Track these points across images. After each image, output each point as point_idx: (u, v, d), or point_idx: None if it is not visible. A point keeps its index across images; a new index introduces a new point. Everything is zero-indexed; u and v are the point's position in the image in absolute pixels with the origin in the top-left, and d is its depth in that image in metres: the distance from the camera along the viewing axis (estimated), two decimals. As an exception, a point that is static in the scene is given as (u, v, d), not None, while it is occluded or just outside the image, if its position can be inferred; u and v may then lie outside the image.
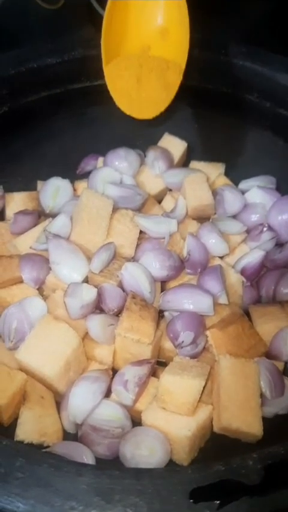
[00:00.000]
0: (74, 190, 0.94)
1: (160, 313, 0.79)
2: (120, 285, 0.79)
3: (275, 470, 0.49)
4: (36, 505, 0.47)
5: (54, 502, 0.47)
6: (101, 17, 1.23)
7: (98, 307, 0.77)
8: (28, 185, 0.98)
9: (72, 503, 0.47)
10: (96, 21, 1.26)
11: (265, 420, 0.68)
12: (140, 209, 0.90)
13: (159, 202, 0.96)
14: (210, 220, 0.91)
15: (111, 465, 0.68)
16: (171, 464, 0.67)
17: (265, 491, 0.47)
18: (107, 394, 0.71)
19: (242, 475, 0.48)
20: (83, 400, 0.68)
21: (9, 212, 0.91)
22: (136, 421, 0.71)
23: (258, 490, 0.47)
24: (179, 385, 0.67)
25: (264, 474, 0.48)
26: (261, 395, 0.69)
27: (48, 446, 0.68)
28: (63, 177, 0.94)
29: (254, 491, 0.47)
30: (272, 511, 0.46)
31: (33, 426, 0.68)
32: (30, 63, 0.92)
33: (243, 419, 0.67)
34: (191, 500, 0.47)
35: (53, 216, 0.87)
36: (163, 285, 0.83)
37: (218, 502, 0.47)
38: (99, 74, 0.96)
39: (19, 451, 0.51)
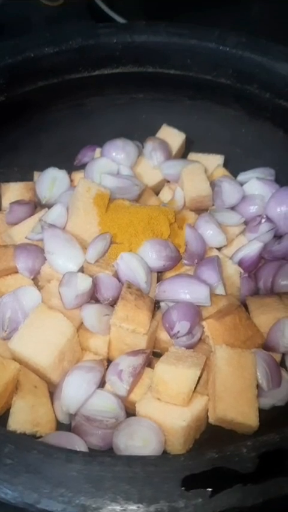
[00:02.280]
0: (71, 181, 0.93)
1: (156, 304, 0.78)
2: (116, 275, 0.78)
3: (270, 458, 0.48)
4: (25, 491, 0.46)
5: (43, 489, 0.46)
6: (101, 11, 1.23)
7: (93, 297, 0.76)
8: (25, 175, 0.97)
9: (62, 490, 0.46)
10: (97, 15, 1.26)
11: (262, 412, 0.67)
12: (137, 200, 0.89)
13: (157, 193, 0.95)
14: (208, 211, 0.90)
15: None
16: (165, 455, 0.66)
17: (259, 479, 0.46)
18: (102, 384, 0.70)
19: (235, 462, 0.47)
20: (76, 390, 0.67)
21: (5, 202, 0.90)
22: (130, 412, 0.70)
23: (251, 478, 0.46)
24: (174, 375, 0.66)
25: (258, 462, 0.47)
26: (258, 386, 0.68)
27: (41, 437, 0.67)
28: (60, 167, 0.93)
29: (247, 479, 0.46)
30: (265, 499, 0.45)
31: (26, 416, 0.67)
32: (27, 52, 0.90)
33: (239, 410, 0.65)
34: (183, 488, 0.46)
35: (50, 206, 0.86)
36: (160, 275, 0.82)
37: (210, 489, 0.46)
38: (97, 64, 0.96)
39: (8, 437, 0.50)
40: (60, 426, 0.70)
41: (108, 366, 0.72)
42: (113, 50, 0.94)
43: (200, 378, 0.68)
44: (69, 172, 0.95)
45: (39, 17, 1.40)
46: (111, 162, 0.92)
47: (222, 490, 0.46)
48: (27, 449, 0.49)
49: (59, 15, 1.41)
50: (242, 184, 0.93)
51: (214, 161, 0.98)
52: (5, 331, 0.73)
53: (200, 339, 0.74)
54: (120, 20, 1.18)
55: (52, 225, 0.80)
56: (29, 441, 0.51)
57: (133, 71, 0.97)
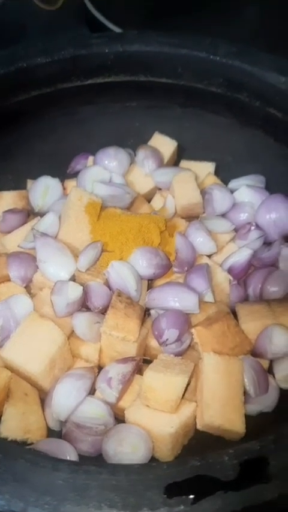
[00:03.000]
0: (64, 189, 0.95)
1: (146, 311, 0.79)
2: (107, 284, 0.79)
3: (250, 466, 0.49)
4: (11, 499, 0.47)
5: (29, 497, 0.47)
6: (95, 18, 1.25)
7: (84, 305, 0.78)
8: (19, 183, 0.98)
9: (47, 498, 0.47)
10: (90, 22, 1.28)
11: (249, 418, 0.68)
12: (128, 207, 0.90)
13: (149, 201, 0.96)
14: (199, 219, 0.91)
15: (94, 462, 0.68)
16: (153, 461, 0.67)
17: (240, 486, 0.47)
18: (92, 391, 0.72)
19: (217, 470, 0.48)
20: (67, 398, 0.68)
21: (-1, 211, 0.91)
22: (120, 419, 0.71)
23: (233, 485, 0.47)
24: (162, 382, 0.67)
25: (239, 470, 0.48)
26: (246, 393, 0.70)
27: (32, 444, 0.68)
28: (54, 175, 0.94)
29: (228, 486, 0.47)
30: (245, 506, 0.46)
31: (17, 423, 0.68)
32: (20, 62, 0.92)
33: (226, 417, 0.67)
34: (166, 495, 0.47)
35: (42, 214, 0.87)
36: (150, 283, 0.83)
37: (192, 497, 0.47)
38: (90, 73, 0.98)
39: (-4, 446, 0.51)
40: (51, 433, 0.71)
41: (99, 373, 0.73)
42: (105, 60, 0.96)
43: (188, 384, 0.69)
44: (62, 180, 0.96)
45: (35, 21, 1.40)
46: (104, 170, 0.93)
47: (204, 497, 0.47)
48: (14, 457, 0.50)
49: (56, 20, 1.42)
50: (232, 191, 0.94)
51: (205, 169, 0.99)
52: (-3, 339, 0.75)
53: (189, 346, 0.76)
54: (115, 28, 1.20)
55: (44, 234, 0.81)
56: (17, 450, 0.52)
57: (125, 79, 0.99)
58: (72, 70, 0.96)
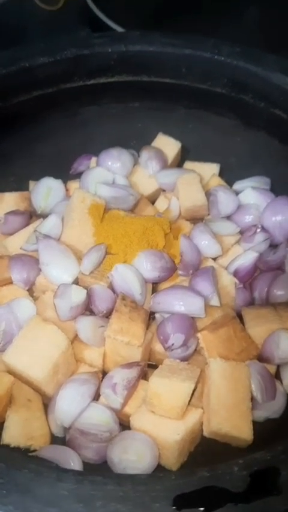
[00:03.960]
0: (67, 190, 0.93)
1: (151, 315, 0.78)
2: (111, 287, 0.78)
3: (261, 477, 0.47)
4: (15, 511, 0.46)
5: (33, 509, 0.46)
6: (97, 18, 1.23)
7: (88, 308, 0.76)
8: (20, 185, 0.97)
9: (52, 509, 0.46)
10: (93, 22, 1.27)
11: (256, 424, 0.67)
12: (132, 210, 0.89)
13: (153, 202, 0.95)
14: (204, 221, 0.89)
15: (99, 470, 0.67)
16: (159, 469, 0.66)
17: (250, 498, 0.46)
18: (97, 397, 0.70)
19: (227, 481, 0.47)
20: (70, 403, 0.67)
21: (1, 212, 0.90)
22: (125, 425, 0.69)
23: (243, 497, 0.46)
24: (168, 388, 0.66)
25: (249, 481, 0.47)
26: (252, 399, 0.68)
27: (35, 450, 0.67)
28: (56, 177, 0.93)
29: (238, 498, 0.46)
30: (256, 519, 0.45)
31: (20, 430, 0.67)
32: (22, 62, 0.90)
33: (233, 423, 0.65)
34: (174, 507, 0.46)
35: (45, 216, 0.86)
36: (155, 286, 0.82)
37: (201, 509, 0.45)
38: (93, 73, 0.96)
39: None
40: (54, 439, 0.70)
41: (103, 377, 0.72)
42: (108, 60, 0.94)
43: (194, 390, 0.68)
44: (65, 182, 0.95)
45: (36, 21, 1.40)
46: (107, 172, 0.92)
47: (213, 509, 0.46)
48: (18, 467, 0.48)
49: (57, 19, 1.41)
50: (237, 193, 0.93)
51: (210, 170, 0.97)
52: None
53: (195, 350, 0.74)
54: (117, 28, 1.18)
55: (47, 236, 0.80)
56: (20, 459, 0.50)
57: (128, 80, 0.97)
58: (74, 70, 0.95)
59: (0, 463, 0.48)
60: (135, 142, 1.00)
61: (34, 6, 1.41)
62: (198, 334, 0.73)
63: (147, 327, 0.74)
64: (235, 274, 0.83)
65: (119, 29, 1.18)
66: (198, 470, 0.48)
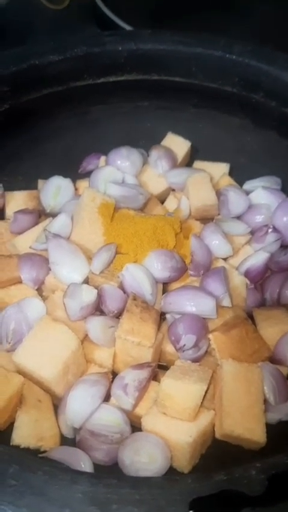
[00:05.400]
0: (76, 189, 0.93)
1: (162, 315, 0.77)
2: (121, 286, 0.77)
3: (279, 481, 0.47)
4: (29, 513, 0.45)
5: (48, 511, 0.45)
6: (105, 16, 1.23)
7: (98, 308, 0.76)
8: (29, 184, 0.96)
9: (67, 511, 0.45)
10: (99, 19, 1.26)
11: (268, 426, 0.66)
12: (142, 209, 0.88)
13: (162, 202, 0.94)
14: (214, 221, 0.89)
15: (109, 471, 0.66)
16: (171, 471, 0.65)
17: (268, 502, 0.45)
18: (107, 398, 0.70)
19: (244, 485, 0.46)
20: (81, 404, 0.66)
21: (9, 211, 0.90)
22: (136, 426, 0.69)
23: (261, 501, 0.45)
24: (180, 389, 0.65)
25: (267, 485, 0.46)
26: (265, 401, 0.68)
27: (45, 451, 0.66)
28: (65, 176, 0.93)
29: (256, 502, 0.45)
30: (275, 524, 0.44)
31: (30, 430, 0.66)
32: (32, 60, 0.90)
33: (246, 426, 0.65)
34: (191, 511, 0.45)
35: (54, 215, 0.85)
36: (165, 286, 0.81)
37: (218, 513, 0.45)
38: (103, 72, 0.96)
39: (13, 457, 0.49)
40: (64, 440, 0.69)
41: (113, 378, 0.71)
42: (118, 58, 0.94)
43: (206, 391, 0.67)
44: (74, 180, 0.94)
45: (42, 20, 1.39)
46: (116, 171, 0.91)
47: (230, 513, 0.45)
48: (32, 470, 0.48)
49: (63, 19, 1.41)
50: (248, 193, 0.92)
51: (220, 169, 0.97)
52: (9, 343, 0.73)
53: (206, 351, 0.74)
54: (125, 26, 1.18)
55: (56, 235, 0.79)
56: (34, 461, 0.50)
57: (138, 78, 0.97)
58: (84, 68, 0.94)
59: (14, 465, 0.48)
60: (145, 141, 0.99)
61: (40, 6, 1.41)
62: (210, 335, 0.73)
63: (158, 327, 0.74)
64: (246, 274, 0.82)
65: (126, 27, 1.17)
66: (214, 474, 0.47)
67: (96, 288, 0.75)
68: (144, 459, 0.63)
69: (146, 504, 0.46)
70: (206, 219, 0.90)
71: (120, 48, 0.93)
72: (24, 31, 1.33)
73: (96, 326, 0.73)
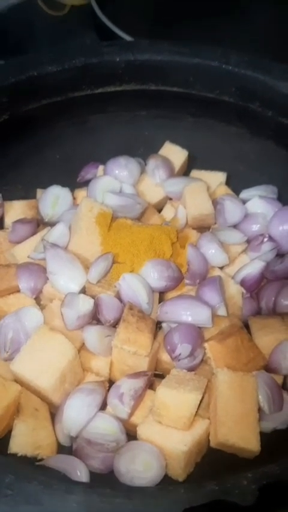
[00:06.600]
0: (74, 198, 0.94)
1: (158, 324, 0.78)
2: (118, 296, 0.78)
3: (271, 491, 0.47)
4: (25, 523, 0.46)
5: (43, 521, 0.46)
6: (104, 26, 1.24)
7: (95, 318, 0.76)
8: (28, 193, 0.97)
9: (61, 522, 0.46)
10: (98, 28, 1.27)
11: (263, 435, 0.67)
12: (139, 218, 0.89)
13: (160, 211, 0.95)
14: (210, 230, 0.90)
15: (106, 479, 0.67)
16: (166, 479, 0.66)
17: (259, 512, 0.46)
18: (103, 406, 0.70)
19: (236, 495, 0.47)
20: (77, 413, 0.67)
21: (8, 220, 0.90)
22: (132, 435, 0.69)
23: (252, 511, 0.46)
24: (175, 398, 0.66)
25: (259, 495, 0.47)
26: (260, 409, 0.68)
27: (42, 459, 0.67)
28: (64, 185, 0.94)
29: (247, 512, 0.46)
30: (266, 534, 0.45)
31: (27, 439, 0.67)
32: (31, 71, 0.91)
33: (241, 434, 0.65)
34: (183, 521, 0.46)
35: (52, 224, 0.86)
36: (162, 295, 0.82)
37: (210, 523, 0.46)
38: (101, 82, 0.97)
39: (9, 467, 0.50)
40: (61, 448, 0.70)
41: (110, 387, 0.72)
42: (116, 68, 0.95)
43: (201, 400, 0.68)
44: (73, 189, 0.95)
45: (43, 26, 1.41)
46: (114, 180, 0.92)
47: (222, 523, 0.46)
48: (27, 479, 0.49)
49: (63, 25, 1.42)
50: (244, 202, 0.93)
51: (216, 178, 0.98)
52: (7, 352, 0.73)
53: (202, 360, 0.74)
54: (123, 35, 1.19)
55: (54, 245, 0.80)
56: (29, 471, 0.51)
57: (136, 88, 0.98)
58: (82, 79, 0.95)
59: (9, 474, 0.48)
60: (143, 150, 1.00)
61: (40, 12, 1.43)
62: (205, 344, 0.73)
63: (154, 336, 0.75)
64: (242, 283, 0.83)
65: (124, 35, 1.18)
66: (206, 484, 0.48)
67: (93, 297, 0.76)
68: (139, 467, 0.64)
69: (139, 513, 0.46)
70: (202, 228, 0.91)
71: (118, 59, 0.94)
72: (25, 37, 1.35)
73: (93, 335, 0.73)
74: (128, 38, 1.17)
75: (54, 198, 0.91)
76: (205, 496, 0.47)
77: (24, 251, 0.84)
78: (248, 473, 0.49)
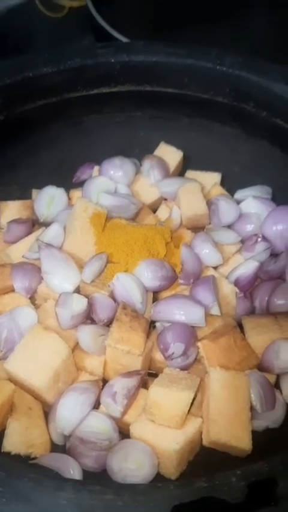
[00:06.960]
0: (69, 199, 0.94)
1: (152, 324, 0.78)
2: (112, 295, 0.78)
3: (259, 488, 0.48)
4: (15, 520, 0.46)
5: (33, 518, 0.46)
6: (102, 28, 1.25)
7: (89, 317, 0.77)
8: (24, 193, 0.98)
9: (51, 518, 0.46)
10: (96, 30, 1.28)
11: (255, 434, 0.67)
12: (133, 218, 0.90)
13: (154, 211, 0.95)
14: (205, 230, 0.90)
15: (98, 478, 0.67)
16: (159, 477, 0.66)
17: (248, 509, 0.46)
18: (97, 405, 0.71)
19: (224, 492, 0.47)
20: (71, 412, 0.68)
21: (3, 221, 0.91)
22: (125, 433, 0.70)
23: (241, 508, 0.46)
24: (168, 397, 0.66)
25: (247, 492, 0.47)
26: (252, 408, 0.69)
27: (35, 458, 0.67)
28: (59, 185, 0.94)
29: (236, 509, 0.46)
30: (254, 530, 0.45)
31: (21, 437, 0.67)
32: (26, 72, 0.91)
33: (233, 433, 0.66)
34: (172, 518, 0.46)
35: (47, 224, 0.87)
36: (155, 295, 0.83)
37: (199, 519, 0.46)
38: (96, 83, 0.97)
39: (0, 465, 0.50)
40: (54, 447, 0.70)
41: (103, 386, 0.72)
42: (111, 70, 0.95)
43: (194, 399, 0.68)
44: (68, 190, 0.96)
45: (41, 27, 1.41)
46: (109, 181, 0.92)
47: (211, 520, 0.46)
48: (18, 476, 0.49)
49: (62, 26, 1.43)
50: (238, 202, 0.93)
51: (211, 179, 0.98)
52: (1, 351, 0.74)
53: (195, 359, 0.75)
54: (120, 37, 1.19)
55: (49, 245, 0.81)
56: (21, 468, 0.51)
57: (131, 89, 0.98)
58: (78, 80, 0.96)
59: (0, 471, 0.49)
60: (138, 151, 1.01)
61: (39, 14, 1.43)
62: (199, 343, 0.74)
63: (148, 335, 0.75)
64: (236, 283, 0.83)
65: (121, 37, 1.19)
66: (196, 481, 0.48)
67: (87, 296, 0.76)
68: (132, 466, 0.64)
69: (129, 510, 0.47)
70: (197, 228, 0.91)
71: (113, 60, 0.95)
72: (24, 38, 1.35)
73: (86, 334, 0.74)
74: (125, 40, 1.18)
75: (49, 199, 0.92)
76: (194, 493, 0.47)
77: (19, 251, 0.84)
78: (237, 470, 0.49)
